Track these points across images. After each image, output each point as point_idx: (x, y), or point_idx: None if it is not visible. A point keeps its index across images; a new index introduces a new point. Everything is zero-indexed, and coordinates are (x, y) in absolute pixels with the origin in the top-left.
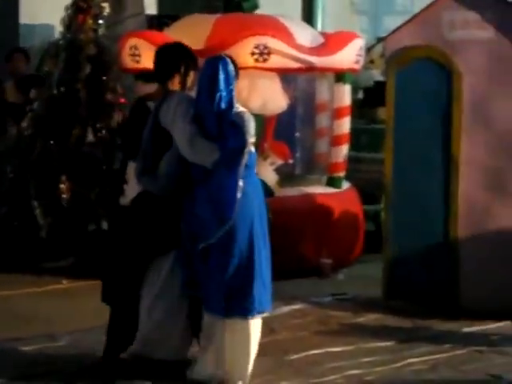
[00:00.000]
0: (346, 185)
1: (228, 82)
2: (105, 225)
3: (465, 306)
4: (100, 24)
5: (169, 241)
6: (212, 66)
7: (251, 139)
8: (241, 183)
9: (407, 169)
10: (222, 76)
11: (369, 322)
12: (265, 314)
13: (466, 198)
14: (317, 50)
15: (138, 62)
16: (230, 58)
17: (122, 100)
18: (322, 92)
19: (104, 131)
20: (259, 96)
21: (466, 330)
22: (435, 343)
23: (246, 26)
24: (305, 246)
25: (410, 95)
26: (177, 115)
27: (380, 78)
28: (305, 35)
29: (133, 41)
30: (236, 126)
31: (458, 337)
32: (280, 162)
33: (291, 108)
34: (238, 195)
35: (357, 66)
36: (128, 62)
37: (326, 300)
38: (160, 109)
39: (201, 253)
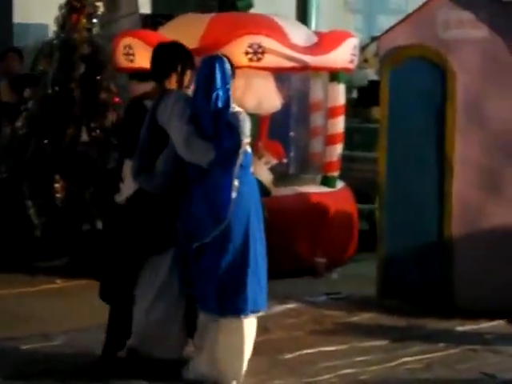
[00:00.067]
0: (340, 184)
1: (225, 81)
2: (99, 224)
3: (459, 305)
4: (94, 23)
5: (164, 239)
6: (209, 65)
7: (246, 140)
8: (236, 183)
9: (401, 168)
10: (218, 75)
11: (363, 321)
12: (260, 314)
13: (460, 198)
14: (311, 49)
15: (132, 61)
16: (227, 57)
17: (117, 99)
18: (316, 91)
19: (98, 131)
20: (253, 95)
21: (460, 328)
22: (429, 342)
23: (240, 25)
24: (299, 246)
25: (404, 94)
26: (173, 114)
27: (374, 78)
28: (299, 34)
29: (127, 40)
30: (231, 126)
31: (452, 336)
32: (274, 161)
33: (285, 107)
34: (234, 195)
35: (351, 66)
36: (122, 61)
37: (320, 299)
38: (157, 107)
39: (195, 252)
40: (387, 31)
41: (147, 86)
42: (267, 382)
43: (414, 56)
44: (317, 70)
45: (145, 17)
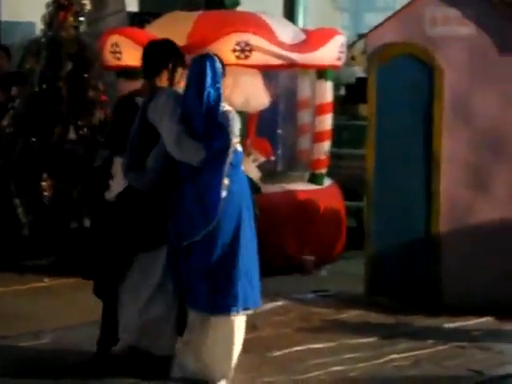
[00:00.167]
0: (327, 181)
1: (215, 80)
2: (87, 223)
3: (446, 302)
4: (81, 21)
5: (153, 236)
6: (200, 64)
7: (235, 139)
8: (226, 182)
9: (389, 165)
10: (209, 73)
11: (351, 319)
12: (250, 312)
13: (448, 195)
14: (298, 47)
15: (119, 59)
16: (217, 55)
17: (104, 97)
18: (304, 89)
19: (85, 129)
20: (241, 93)
21: (448, 325)
22: (417, 339)
23: (228, 22)
24: (287, 243)
25: (392, 91)
26: (164, 113)
27: (362, 75)
28: (286, 32)
29: (114, 38)
30: (221, 126)
31: (440, 333)
32: (262, 158)
33: (273, 105)
34: (223, 194)
35: (338, 63)
36: (109, 59)
37: (308, 297)
38: (148, 105)
39: (184, 250)
40: (375, 28)
41: (135, 84)
42: (256, 379)
43: (401, 53)
44: (304, 67)
45: (132, 15)
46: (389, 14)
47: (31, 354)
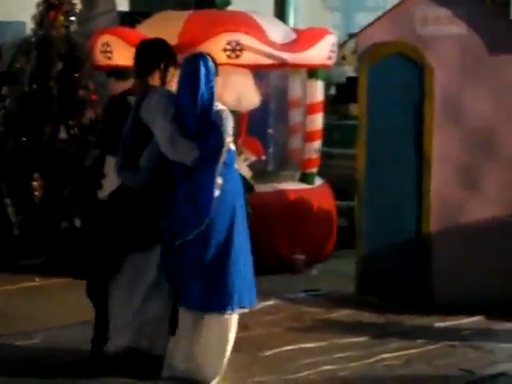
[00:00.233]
0: (318, 181)
1: (209, 79)
2: (77, 222)
3: (437, 302)
4: (72, 21)
5: (146, 235)
6: (193, 63)
7: (229, 138)
8: (219, 181)
9: (380, 165)
10: (202, 72)
11: (342, 318)
12: (245, 310)
13: (439, 195)
14: (289, 46)
15: (109, 58)
16: (209, 55)
17: (94, 97)
18: (295, 88)
19: (76, 128)
20: (232, 92)
21: (439, 325)
22: (408, 338)
23: (218, 22)
24: (278, 243)
25: (383, 91)
26: (158, 112)
27: (352, 74)
28: (277, 31)
29: (105, 38)
30: (214, 125)
31: (431, 332)
32: (253, 158)
33: (264, 104)
34: (216, 193)
35: (329, 62)
36: (100, 58)
37: (299, 296)
38: (141, 104)
39: (177, 249)
40: (365, 28)
41: (125, 84)
42: (247, 379)
43: (391, 52)
44: (295, 66)
45: (122, 14)
46: (379, 13)
47: (23, 353)
